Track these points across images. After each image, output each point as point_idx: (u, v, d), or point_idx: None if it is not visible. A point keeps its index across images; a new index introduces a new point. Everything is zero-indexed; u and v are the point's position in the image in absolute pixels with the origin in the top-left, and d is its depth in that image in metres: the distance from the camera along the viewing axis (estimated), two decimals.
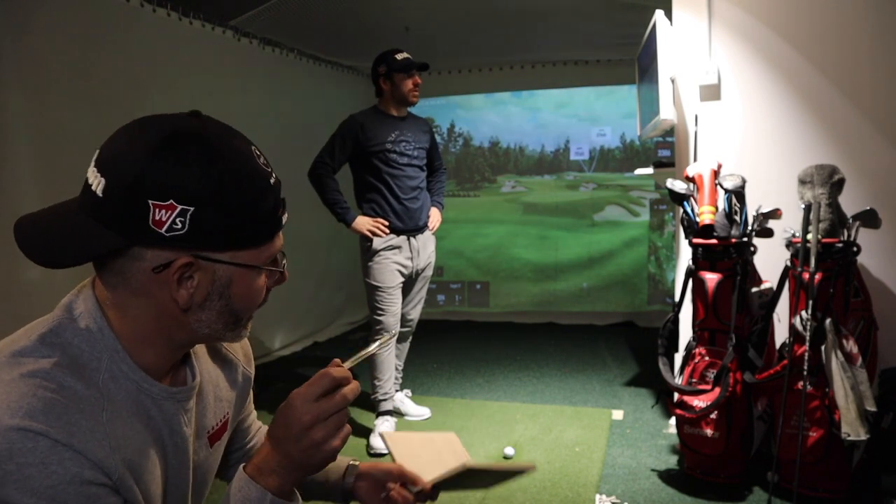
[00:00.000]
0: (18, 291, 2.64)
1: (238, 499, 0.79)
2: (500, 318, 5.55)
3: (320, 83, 4.93)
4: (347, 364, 0.84)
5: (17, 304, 2.59)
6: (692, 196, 2.60)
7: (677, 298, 2.72)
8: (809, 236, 2.28)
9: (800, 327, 2.26)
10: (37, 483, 0.65)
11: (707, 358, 2.51)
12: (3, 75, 2.58)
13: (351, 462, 1.06)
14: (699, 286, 2.53)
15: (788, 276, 2.40)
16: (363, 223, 2.95)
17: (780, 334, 2.55)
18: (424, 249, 3.12)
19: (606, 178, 5.46)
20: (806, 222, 2.31)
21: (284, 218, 0.82)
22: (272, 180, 0.79)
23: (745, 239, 2.49)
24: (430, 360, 4.31)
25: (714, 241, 2.49)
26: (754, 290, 2.50)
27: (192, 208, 0.71)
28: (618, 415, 3.23)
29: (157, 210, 0.70)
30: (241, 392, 1.02)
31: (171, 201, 0.70)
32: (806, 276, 2.25)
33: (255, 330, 3.32)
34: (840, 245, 2.32)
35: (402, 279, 3.04)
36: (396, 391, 3.23)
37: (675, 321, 2.71)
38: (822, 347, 2.22)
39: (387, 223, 2.97)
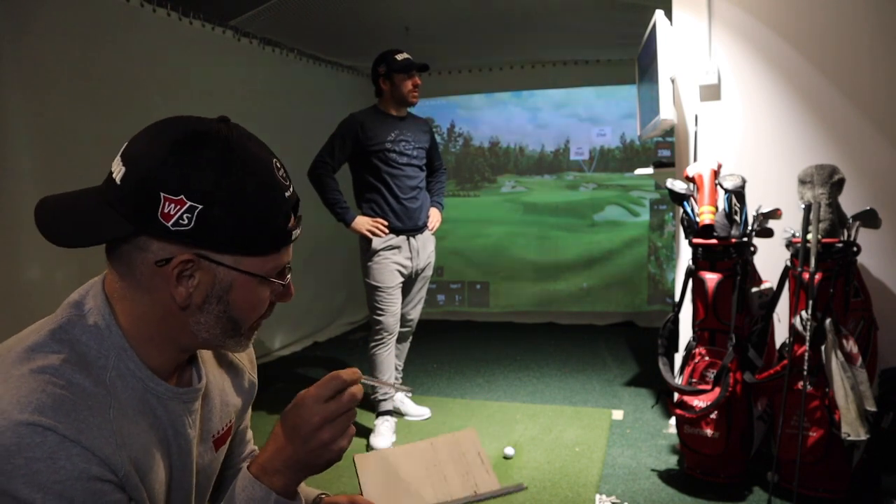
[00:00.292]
0: (18, 291, 2.64)
1: (242, 498, 0.80)
2: (500, 318, 5.55)
3: (320, 83, 4.93)
4: (364, 381, 0.85)
5: (17, 304, 2.59)
6: (692, 196, 2.60)
7: (677, 298, 2.72)
8: (809, 236, 2.28)
9: (800, 327, 2.26)
10: (44, 478, 0.65)
11: (707, 358, 2.51)
12: (3, 75, 2.58)
13: (321, 493, 1.03)
14: (699, 286, 2.53)
15: (788, 276, 2.40)
16: (362, 223, 2.95)
17: (780, 334, 2.55)
18: (424, 249, 3.12)
19: (606, 178, 5.46)
20: (806, 222, 2.31)
21: (296, 233, 0.82)
22: (287, 193, 0.79)
23: (745, 239, 2.49)
24: (430, 360, 4.31)
25: (714, 241, 2.49)
26: (754, 290, 2.50)
27: (200, 206, 0.72)
28: (618, 415, 3.23)
29: (167, 203, 0.72)
30: (246, 398, 1.02)
31: (182, 196, 0.72)
32: (806, 276, 2.25)
33: None
34: (840, 245, 2.32)
35: (401, 279, 3.04)
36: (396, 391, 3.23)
37: (675, 321, 2.71)
38: (822, 347, 2.22)
39: (386, 223, 2.97)
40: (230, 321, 0.80)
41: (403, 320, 3.16)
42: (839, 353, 2.20)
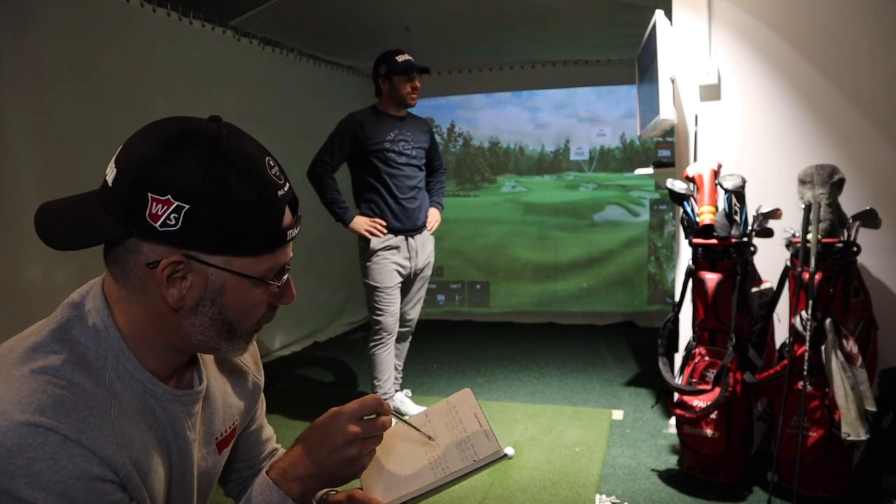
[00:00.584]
0: (18, 291, 2.64)
1: (259, 502, 0.81)
2: (500, 318, 5.55)
3: (320, 83, 4.93)
4: (394, 415, 0.90)
5: (17, 304, 2.59)
6: (692, 196, 2.60)
7: (677, 298, 2.72)
8: (809, 236, 2.28)
9: (800, 327, 2.26)
10: (46, 478, 0.65)
11: (707, 358, 2.51)
12: (3, 75, 2.58)
13: (328, 490, 1.01)
14: (699, 286, 2.53)
15: (788, 276, 2.40)
16: (361, 223, 2.95)
17: (780, 334, 2.55)
18: (423, 249, 3.12)
19: (606, 178, 5.46)
20: (806, 222, 2.31)
21: (292, 232, 0.79)
22: (280, 192, 0.77)
23: (745, 239, 2.49)
24: (430, 360, 4.31)
25: (714, 241, 2.49)
26: (754, 290, 2.50)
27: (187, 206, 0.71)
28: (618, 415, 3.23)
29: (154, 203, 0.71)
30: (251, 399, 1.01)
31: (169, 197, 0.71)
32: (806, 276, 2.25)
33: None
34: (840, 245, 2.32)
35: (400, 279, 3.04)
36: (396, 391, 3.23)
37: (675, 321, 2.71)
38: (822, 347, 2.22)
39: (384, 223, 2.96)
40: (225, 324, 0.79)
41: (403, 320, 3.16)
42: (839, 353, 2.20)
